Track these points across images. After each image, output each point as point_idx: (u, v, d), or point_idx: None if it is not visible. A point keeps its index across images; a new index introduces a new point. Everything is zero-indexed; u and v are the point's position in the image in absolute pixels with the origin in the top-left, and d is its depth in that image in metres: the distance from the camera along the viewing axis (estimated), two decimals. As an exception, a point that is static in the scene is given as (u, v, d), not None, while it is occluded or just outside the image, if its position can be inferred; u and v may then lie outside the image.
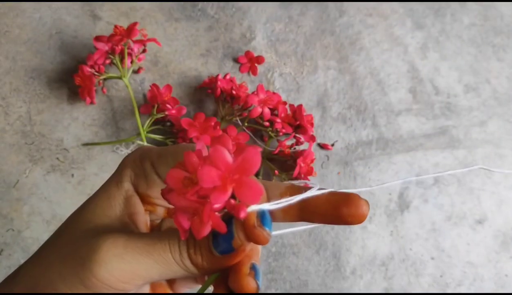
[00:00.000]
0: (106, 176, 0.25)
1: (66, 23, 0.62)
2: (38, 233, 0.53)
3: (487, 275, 0.56)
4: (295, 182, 0.23)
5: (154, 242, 0.21)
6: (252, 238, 0.20)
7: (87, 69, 0.56)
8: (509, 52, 0.66)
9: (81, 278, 0.20)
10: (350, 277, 0.55)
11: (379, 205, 0.58)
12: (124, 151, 0.57)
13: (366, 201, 0.22)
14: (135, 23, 0.56)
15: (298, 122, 0.56)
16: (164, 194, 0.21)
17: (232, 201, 0.20)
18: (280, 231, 0.23)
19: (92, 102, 0.57)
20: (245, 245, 0.21)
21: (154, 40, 0.58)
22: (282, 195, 0.22)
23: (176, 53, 0.62)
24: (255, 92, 0.55)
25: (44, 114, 0.58)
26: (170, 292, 0.26)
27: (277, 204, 0.21)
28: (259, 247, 0.24)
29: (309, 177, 0.55)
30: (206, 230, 0.19)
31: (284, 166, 0.57)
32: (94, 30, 0.62)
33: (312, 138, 0.56)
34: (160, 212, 0.26)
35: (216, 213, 0.20)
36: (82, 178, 0.56)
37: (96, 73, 0.56)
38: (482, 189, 0.59)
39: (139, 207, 0.24)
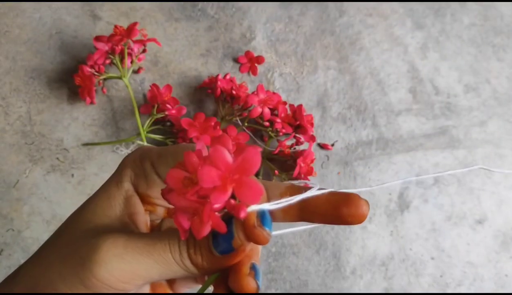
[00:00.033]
0: (106, 176, 0.25)
1: (66, 23, 0.62)
2: (38, 233, 0.53)
3: (487, 275, 0.56)
4: (295, 182, 0.23)
5: (154, 242, 0.21)
6: (252, 238, 0.20)
7: (87, 69, 0.56)
8: (509, 52, 0.66)
9: (81, 278, 0.20)
10: (350, 277, 0.55)
11: (379, 205, 0.58)
12: (124, 151, 0.57)
13: (366, 201, 0.22)
14: (135, 23, 0.56)
15: (298, 122, 0.56)
16: (164, 194, 0.21)
17: (232, 201, 0.20)
18: (280, 231, 0.23)
19: (92, 102, 0.57)
20: (245, 245, 0.21)
21: (154, 40, 0.58)
22: (282, 195, 0.22)
23: (176, 53, 0.62)
24: (255, 92, 0.55)
25: (44, 114, 0.58)
26: (170, 292, 0.26)
27: (277, 204, 0.21)
28: (259, 247, 0.24)
29: (309, 177, 0.55)
30: (206, 230, 0.19)
31: (284, 166, 0.57)
32: (94, 30, 0.62)
33: (312, 138, 0.56)
34: (160, 212, 0.26)
35: (216, 213, 0.20)
36: (82, 178, 0.56)
37: (96, 73, 0.56)
38: (482, 189, 0.59)
39: (139, 207, 0.24)
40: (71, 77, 0.58)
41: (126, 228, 0.23)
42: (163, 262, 0.21)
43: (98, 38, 0.56)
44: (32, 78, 0.59)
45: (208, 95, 0.61)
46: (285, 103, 0.57)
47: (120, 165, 0.25)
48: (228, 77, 0.59)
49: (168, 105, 0.54)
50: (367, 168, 0.59)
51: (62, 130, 0.57)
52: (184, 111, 0.55)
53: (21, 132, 0.57)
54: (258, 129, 0.58)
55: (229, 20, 0.65)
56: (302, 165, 0.54)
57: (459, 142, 0.61)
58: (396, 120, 0.62)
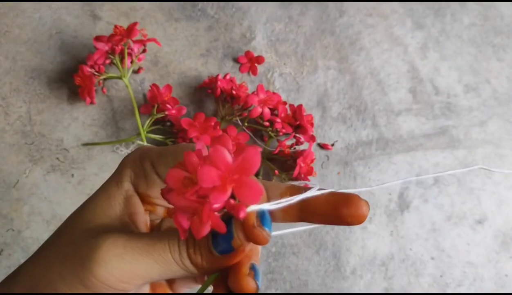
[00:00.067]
0: (106, 176, 0.25)
1: (66, 23, 0.62)
2: (38, 233, 0.53)
3: (487, 275, 0.56)
4: (295, 183, 0.23)
5: (154, 242, 0.21)
6: (252, 238, 0.20)
7: (87, 69, 0.56)
8: (509, 52, 0.66)
9: (81, 278, 0.20)
10: (350, 277, 0.55)
11: (379, 205, 0.58)
12: (124, 151, 0.57)
13: (366, 202, 0.22)
14: (135, 23, 0.56)
15: (298, 122, 0.56)
16: (164, 193, 0.21)
17: (232, 201, 0.20)
18: (280, 231, 0.23)
19: (92, 102, 0.57)
20: (245, 245, 0.21)
21: (154, 40, 0.58)
22: (282, 195, 0.22)
23: (176, 53, 0.62)
24: (255, 92, 0.55)
25: (44, 114, 0.58)
26: (170, 292, 0.26)
27: (277, 204, 0.21)
28: (259, 247, 0.24)
29: (309, 177, 0.55)
30: (206, 230, 0.19)
31: (284, 166, 0.57)
32: (94, 30, 0.62)
33: (312, 138, 0.56)
34: (160, 211, 0.26)
35: (216, 213, 0.20)
36: (82, 178, 0.56)
37: (96, 73, 0.56)
38: (482, 189, 0.59)
39: (139, 206, 0.24)
40: (71, 77, 0.58)
41: (126, 228, 0.23)
42: (162, 262, 0.21)
43: (98, 38, 0.56)
44: (32, 78, 0.59)
45: (208, 95, 0.61)
46: (285, 103, 0.57)
47: (120, 164, 0.25)
48: (228, 77, 0.59)
49: (168, 105, 0.54)
50: (367, 168, 0.59)
51: (62, 130, 0.57)
52: (184, 111, 0.55)
53: (21, 132, 0.57)
54: (258, 129, 0.58)
55: (229, 20, 0.65)
56: (302, 165, 0.54)
57: (459, 142, 0.61)
58: (396, 120, 0.62)
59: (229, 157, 0.19)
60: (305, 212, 0.22)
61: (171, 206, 0.26)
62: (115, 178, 0.24)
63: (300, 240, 0.56)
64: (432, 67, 0.65)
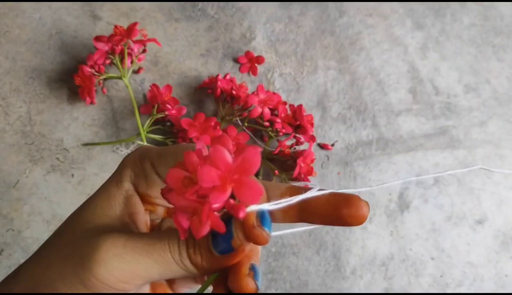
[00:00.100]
0: (106, 176, 0.25)
1: (66, 23, 0.62)
2: (38, 233, 0.53)
3: (487, 275, 0.56)
4: (296, 183, 0.23)
5: (154, 242, 0.21)
6: (251, 238, 0.20)
7: (87, 69, 0.56)
8: (509, 52, 0.66)
9: (81, 278, 0.20)
10: (350, 277, 0.55)
11: (379, 205, 0.58)
12: (124, 151, 0.57)
13: (367, 202, 0.22)
14: (135, 23, 0.56)
15: (298, 122, 0.56)
16: (164, 193, 0.21)
17: (232, 201, 0.20)
18: (279, 231, 0.23)
19: (92, 102, 0.57)
20: (245, 245, 0.21)
21: (154, 40, 0.58)
22: (282, 195, 0.22)
23: (176, 53, 0.62)
24: (255, 92, 0.55)
25: (44, 114, 0.58)
26: (170, 292, 0.26)
27: (277, 204, 0.21)
28: (259, 247, 0.24)
29: (309, 177, 0.55)
30: (205, 230, 0.19)
31: (284, 166, 0.57)
32: (94, 30, 0.62)
33: (312, 139, 0.56)
34: (160, 211, 0.26)
35: (215, 213, 0.20)
36: (82, 178, 0.56)
37: (96, 73, 0.56)
38: (482, 189, 0.59)
39: (139, 206, 0.24)
40: (71, 77, 0.58)
41: (126, 228, 0.23)
42: (162, 261, 0.21)
43: (98, 38, 0.56)
44: (32, 78, 0.59)
45: (208, 95, 0.61)
46: (285, 103, 0.57)
47: (120, 164, 0.25)
48: (228, 77, 0.59)
49: (168, 105, 0.54)
50: (367, 168, 0.59)
51: (62, 131, 0.57)
52: (184, 111, 0.55)
53: (21, 132, 0.57)
54: (258, 130, 0.58)
55: (229, 20, 0.65)
56: (302, 165, 0.54)
57: (459, 143, 0.61)
58: (396, 121, 0.62)
59: (229, 157, 0.19)
60: (305, 213, 0.22)
61: (171, 206, 0.26)
62: (115, 178, 0.24)
63: (300, 240, 0.56)
64: (432, 68, 0.65)
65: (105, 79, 0.59)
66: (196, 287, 0.25)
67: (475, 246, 0.57)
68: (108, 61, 0.57)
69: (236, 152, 0.20)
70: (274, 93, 0.58)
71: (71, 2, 0.63)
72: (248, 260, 0.22)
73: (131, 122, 0.58)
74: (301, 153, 0.54)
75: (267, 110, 0.55)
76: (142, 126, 0.55)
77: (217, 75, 0.59)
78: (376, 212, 0.57)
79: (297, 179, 0.55)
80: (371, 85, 0.63)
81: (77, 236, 0.23)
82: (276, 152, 0.55)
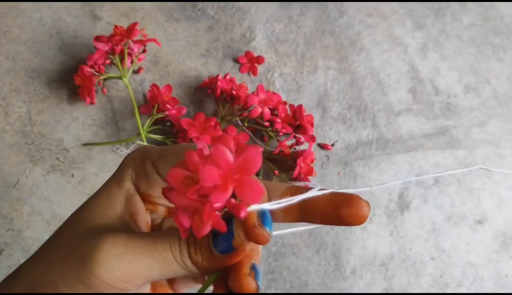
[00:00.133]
0: (106, 176, 0.25)
1: (66, 23, 0.62)
2: (38, 233, 0.53)
3: (487, 275, 0.56)
4: (296, 183, 0.23)
5: (154, 242, 0.21)
6: (252, 237, 0.20)
7: (87, 69, 0.56)
8: (509, 52, 0.66)
9: (82, 278, 0.20)
10: (350, 277, 0.55)
11: (379, 205, 0.58)
12: (124, 151, 0.57)
13: (367, 202, 0.22)
14: (135, 23, 0.56)
15: (298, 122, 0.56)
16: (165, 192, 0.21)
17: (233, 200, 0.20)
18: (280, 231, 0.23)
19: (92, 102, 0.57)
20: (245, 244, 0.21)
21: (154, 40, 0.58)
22: (282, 195, 0.22)
23: (176, 53, 0.62)
24: (255, 92, 0.55)
25: (44, 114, 0.58)
26: (171, 291, 0.26)
27: (278, 203, 0.21)
28: (260, 247, 0.24)
29: (309, 177, 0.55)
30: (206, 229, 0.19)
31: (284, 166, 0.57)
32: (94, 30, 0.62)
33: (312, 139, 0.56)
34: (161, 211, 0.26)
35: (217, 212, 0.20)
36: (82, 178, 0.56)
37: (96, 73, 0.56)
38: (482, 189, 0.59)
39: (140, 206, 0.24)
40: (71, 77, 0.58)
41: (126, 228, 0.23)
42: (163, 261, 0.21)
43: (98, 38, 0.56)
44: (32, 78, 0.59)
45: (208, 95, 0.61)
46: (285, 103, 0.57)
47: (121, 164, 0.25)
48: (228, 77, 0.59)
49: (168, 106, 0.54)
50: (367, 168, 0.59)
51: (62, 131, 0.57)
52: (184, 111, 0.55)
53: (21, 132, 0.57)
54: (258, 130, 0.58)
55: (229, 20, 0.65)
56: (302, 165, 0.54)
57: (459, 143, 0.61)
58: (396, 121, 0.62)
59: (230, 157, 0.19)
60: (306, 212, 0.22)
61: (172, 205, 0.26)
62: (116, 178, 0.24)
63: (300, 240, 0.56)
64: (432, 68, 0.65)
65: (105, 79, 0.59)
66: (197, 287, 0.25)
67: (475, 246, 0.57)
68: (108, 61, 0.57)
69: (237, 152, 0.20)
70: (274, 93, 0.58)
71: (71, 2, 0.63)
72: (249, 260, 0.22)
73: (131, 122, 0.58)
74: (301, 153, 0.54)
75: (267, 110, 0.55)
76: (142, 126, 0.55)
77: (217, 75, 0.59)
78: (376, 212, 0.57)
79: (297, 179, 0.55)
80: (371, 85, 0.63)
81: (77, 236, 0.22)
82: (276, 152, 0.55)
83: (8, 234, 0.53)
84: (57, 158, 0.56)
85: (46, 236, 0.53)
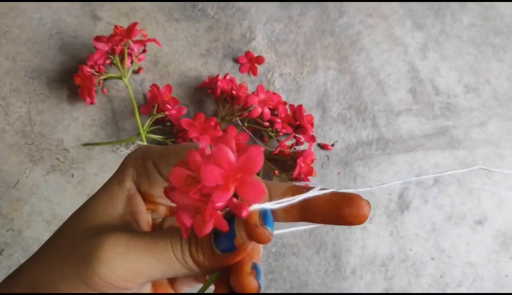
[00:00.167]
0: (106, 176, 0.25)
1: (66, 23, 0.62)
2: (39, 233, 0.53)
3: (487, 275, 0.56)
4: (297, 183, 0.23)
5: (156, 241, 0.21)
6: (254, 236, 0.20)
7: (87, 69, 0.56)
8: (509, 52, 0.66)
9: (83, 277, 0.20)
10: (350, 277, 0.55)
11: (379, 205, 0.58)
12: (124, 151, 0.57)
13: (368, 202, 0.22)
14: (135, 24, 0.56)
15: (298, 122, 0.56)
16: (167, 192, 0.21)
17: (234, 200, 0.20)
18: (280, 230, 0.23)
19: (92, 103, 0.57)
20: (247, 243, 0.21)
21: (154, 40, 0.58)
22: (284, 195, 0.22)
23: (176, 53, 0.62)
24: (255, 93, 0.55)
25: (44, 115, 0.58)
26: (171, 291, 0.26)
27: (279, 203, 0.21)
28: (260, 246, 0.24)
29: (309, 177, 0.55)
30: (208, 228, 0.19)
31: (284, 166, 0.57)
32: (94, 30, 0.62)
33: (312, 139, 0.56)
34: (162, 210, 0.26)
35: (218, 212, 0.20)
36: (82, 178, 0.56)
37: (96, 73, 0.56)
38: (482, 189, 0.59)
39: (141, 205, 0.24)
40: (71, 77, 0.58)
41: (128, 227, 0.23)
42: (165, 260, 0.21)
43: (98, 38, 0.56)
44: (32, 79, 0.59)
45: (208, 95, 0.61)
46: (285, 103, 0.57)
47: (122, 163, 0.25)
48: (228, 77, 0.59)
49: (168, 106, 0.54)
50: (367, 168, 0.59)
51: (62, 131, 0.57)
52: (184, 111, 0.55)
53: (21, 132, 0.57)
54: (258, 130, 0.58)
55: (229, 20, 0.65)
56: (302, 165, 0.54)
57: (459, 143, 0.61)
58: (396, 121, 0.62)
59: (232, 156, 0.19)
60: (307, 212, 0.22)
61: (173, 205, 0.26)
62: (117, 177, 0.24)
63: (300, 240, 0.56)
64: (432, 68, 0.65)
65: (105, 79, 0.59)
66: (198, 286, 0.25)
67: (475, 246, 0.57)
68: (108, 61, 0.57)
69: (239, 152, 0.20)
70: (274, 93, 0.58)
71: (71, 2, 0.63)
72: (250, 259, 0.22)
73: (131, 122, 0.58)
74: (301, 153, 0.54)
75: (267, 111, 0.55)
76: (142, 126, 0.55)
77: (217, 75, 0.59)
78: (376, 212, 0.57)
79: (297, 179, 0.55)
80: (371, 85, 0.63)
81: (78, 236, 0.22)
82: (276, 152, 0.55)
83: (8, 234, 0.53)
84: (57, 158, 0.56)
85: (46, 236, 0.53)
